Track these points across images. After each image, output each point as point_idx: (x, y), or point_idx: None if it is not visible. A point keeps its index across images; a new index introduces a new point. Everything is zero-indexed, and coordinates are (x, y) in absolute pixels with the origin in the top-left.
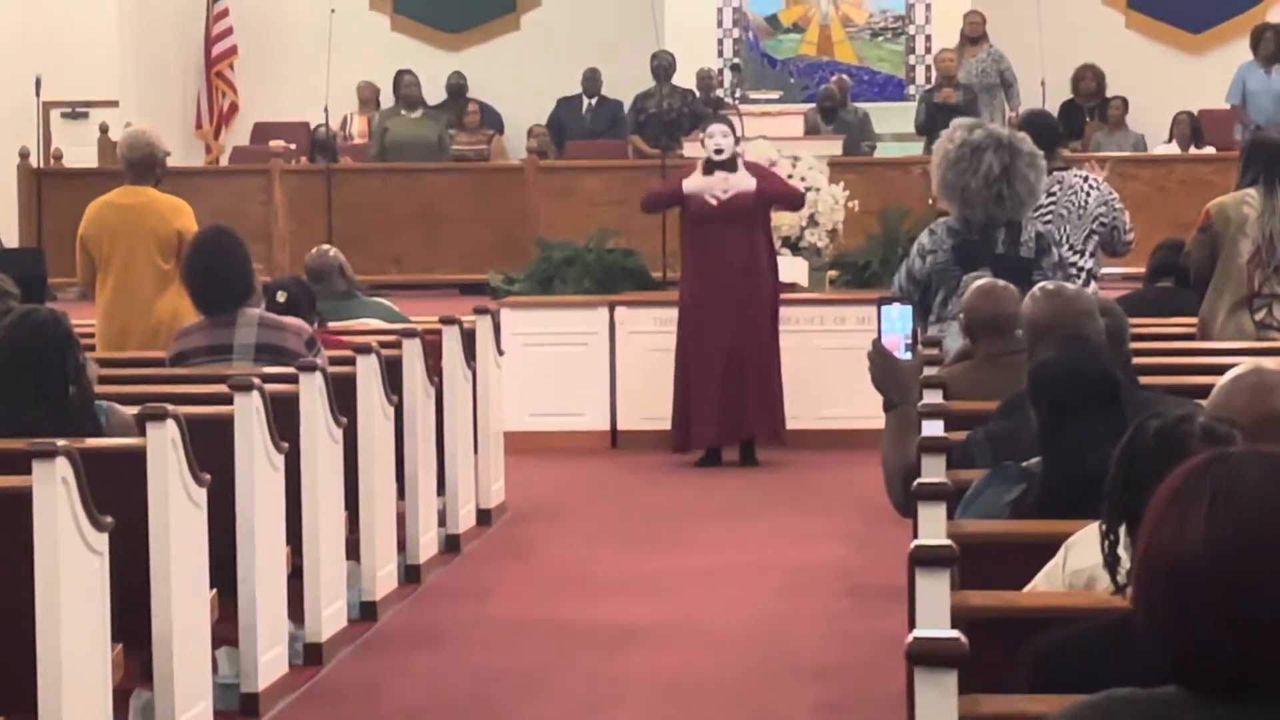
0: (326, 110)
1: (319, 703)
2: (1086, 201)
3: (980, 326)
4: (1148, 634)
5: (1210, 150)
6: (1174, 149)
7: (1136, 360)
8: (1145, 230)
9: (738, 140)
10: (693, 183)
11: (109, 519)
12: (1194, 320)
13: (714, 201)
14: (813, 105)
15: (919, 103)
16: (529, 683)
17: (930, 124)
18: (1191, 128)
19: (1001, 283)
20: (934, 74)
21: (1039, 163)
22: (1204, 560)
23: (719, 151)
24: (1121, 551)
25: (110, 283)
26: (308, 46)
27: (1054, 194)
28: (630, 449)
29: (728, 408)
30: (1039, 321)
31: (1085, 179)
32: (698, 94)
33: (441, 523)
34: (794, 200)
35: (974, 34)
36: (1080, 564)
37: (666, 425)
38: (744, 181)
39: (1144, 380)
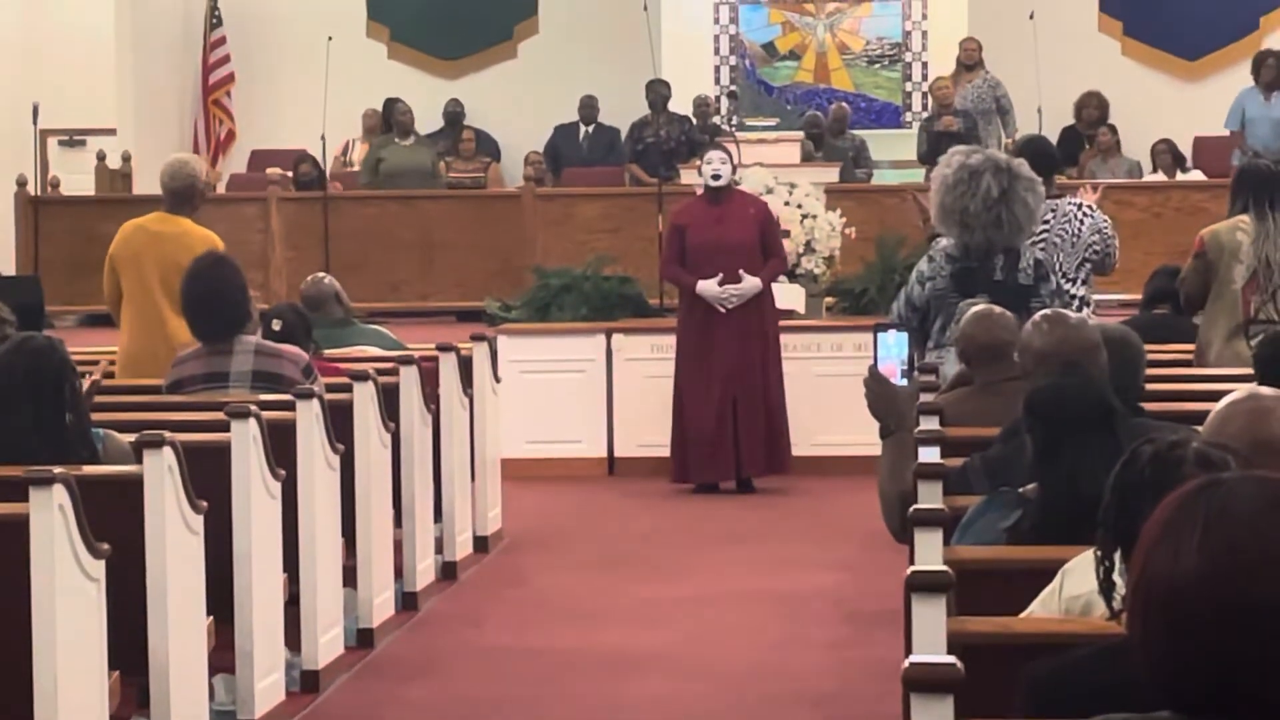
0: (324, 138)
1: None
2: (1080, 230)
3: (976, 353)
4: (1142, 659)
5: (1200, 175)
6: (1160, 178)
7: None
8: (1141, 257)
9: (734, 168)
10: (706, 288)
11: (106, 546)
12: (1191, 346)
13: (723, 310)
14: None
15: (920, 132)
16: (525, 711)
17: (933, 153)
18: (1173, 155)
19: (997, 309)
20: (930, 103)
21: (1038, 188)
22: (1197, 586)
23: (716, 177)
24: (1117, 577)
25: (135, 305)
26: (305, 74)
27: (1048, 221)
28: (627, 476)
29: (723, 448)
30: (1042, 351)
31: (1079, 206)
32: (694, 121)
33: (438, 550)
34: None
35: (969, 61)
36: (1077, 590)
37: (663, 452)
38: (750, 287)
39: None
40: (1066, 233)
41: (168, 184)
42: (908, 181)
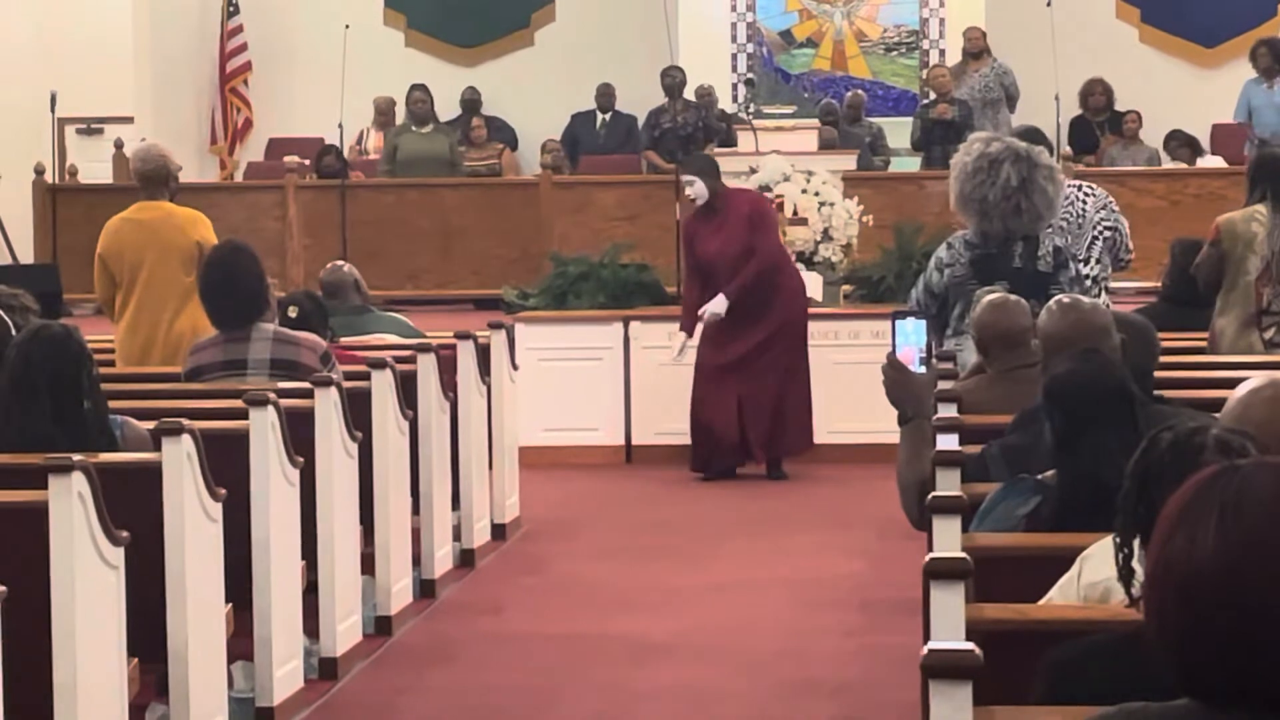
0: (341, 126)
1: (334, 717)
2: (1085, 209)
3: (992, 341)
4: (1160, 647)
5: (1220, 161)
6: (1180, 167)
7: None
8: (1160, 245)
9: (715, 174)
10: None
11: (125, 533)
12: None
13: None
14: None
15: (914, 119)
16: (543, 698)
17: (926, 140)
18: (1189, 144)
19: (1013, 297)
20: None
21: (1057, 176)
22: (1213, 573)
23: (699, 198)
24: (1136, 564)
25: (133, 299)
26: (322, 62)
27: None
28: (644, 464)
29: (728, 438)
30: (1055, 335)
31: (1079, 187)
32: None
33: (456, 538)
34: None
35: (974, 49)
36: (1095, 576)
37: (680, 440)
38: (717, 308)
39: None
40: (1071, 214)
41: (140, 169)
42: (927, 170)
